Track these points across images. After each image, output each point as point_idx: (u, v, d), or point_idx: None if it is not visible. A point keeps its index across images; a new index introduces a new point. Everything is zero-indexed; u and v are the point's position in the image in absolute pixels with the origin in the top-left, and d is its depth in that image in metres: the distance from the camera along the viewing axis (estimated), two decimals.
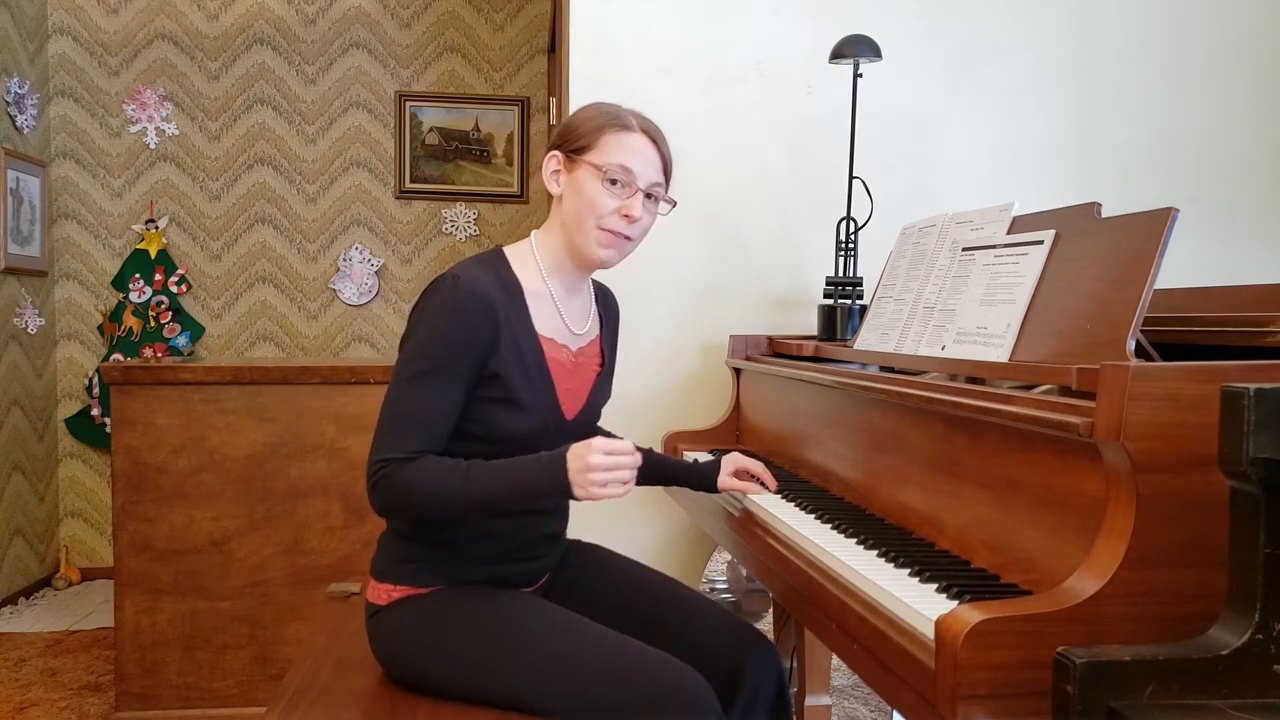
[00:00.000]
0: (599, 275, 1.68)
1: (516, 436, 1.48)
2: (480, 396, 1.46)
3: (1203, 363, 1.06)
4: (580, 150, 1.50)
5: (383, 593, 1.52)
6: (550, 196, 1.59)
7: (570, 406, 1.57)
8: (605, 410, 2.52)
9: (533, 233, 1.59)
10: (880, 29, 2.48)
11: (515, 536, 1.54)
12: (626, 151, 1.49)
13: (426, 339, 1.43)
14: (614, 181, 1.48)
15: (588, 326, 1.63)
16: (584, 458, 1.35)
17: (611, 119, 1.51)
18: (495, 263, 1.53)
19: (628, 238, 1.51)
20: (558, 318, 1.56)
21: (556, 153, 1.54)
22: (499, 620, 1.46)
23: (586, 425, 1.63)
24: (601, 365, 1.66)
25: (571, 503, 1.69)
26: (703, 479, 1.80)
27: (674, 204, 1.57)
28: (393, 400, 1.43)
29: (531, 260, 1.55)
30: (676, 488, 1.93)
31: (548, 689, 1.39)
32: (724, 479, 1.79)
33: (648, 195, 1.52)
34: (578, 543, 1.74)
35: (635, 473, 1.38)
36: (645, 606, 1.63)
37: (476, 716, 1.44)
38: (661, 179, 1.53)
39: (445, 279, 1.45)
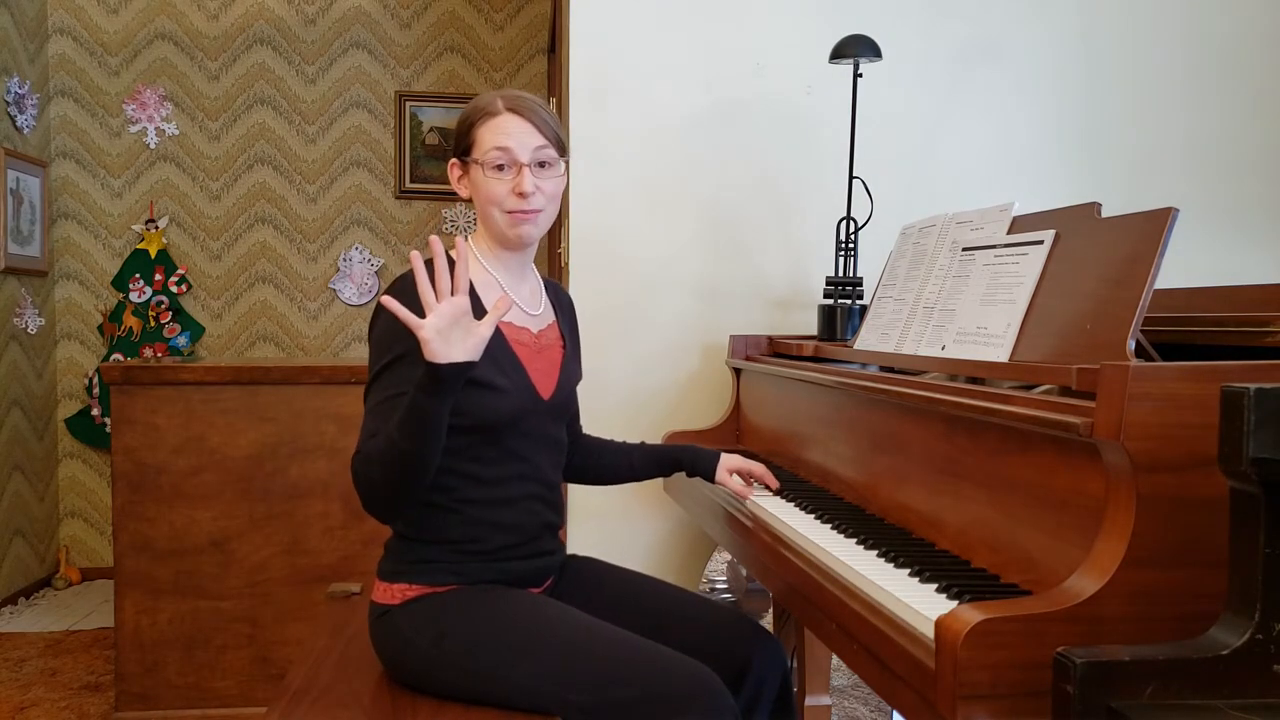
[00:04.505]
0: (577, 281, 1.68)
1: (500, 420, 1.52)
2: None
3: (1203, 363, 1.06)
4: (466, 151, 1.56)
5: (395, 593, 1.53)
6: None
7: (545, 386, 1.60)
8: (608, 407, 2.54)
9: (469, 237, 1.63)
10: (880, 29, 2.48)
11: (519, 527, 1.56)
12: (499, 135, 1.52)
13: (380, 339, 1.49)
14: (499, 167, 1.52)
15: (541, 309, 1.67)
16: (426, 342, 1.32)
17: (479, 112, 1.55)
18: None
19: (535, 210, 1.54)
20: (508, 300, 1.58)
21: (454, 160, 1.59)
22: (515, 617, 1.48)
23: (563, 405, 1.66)
24: (564, 347, 1.70)
25: (571, 502, 1.70)
26: (698, 463, 1.83)
27: (568, 160, 1.60)
28: (366, 399, 1.51)
29: (471, 257, 1.59)
30: (675, 484, 1.94)
31: (564, 688, 1.41)
32: (722, 472, 1.82)
33: (539, 164, 1.54)
34: (575, 556, 1.77)
35: (460, 303, 1.33)
36: (647, 606, 1.65)
37: (478, 716, 1.44)
38: (544, 142, 1.54)
39: (393, 282, 1.51)
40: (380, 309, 1.46)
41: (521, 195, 1.52)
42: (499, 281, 1.60)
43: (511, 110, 1.53)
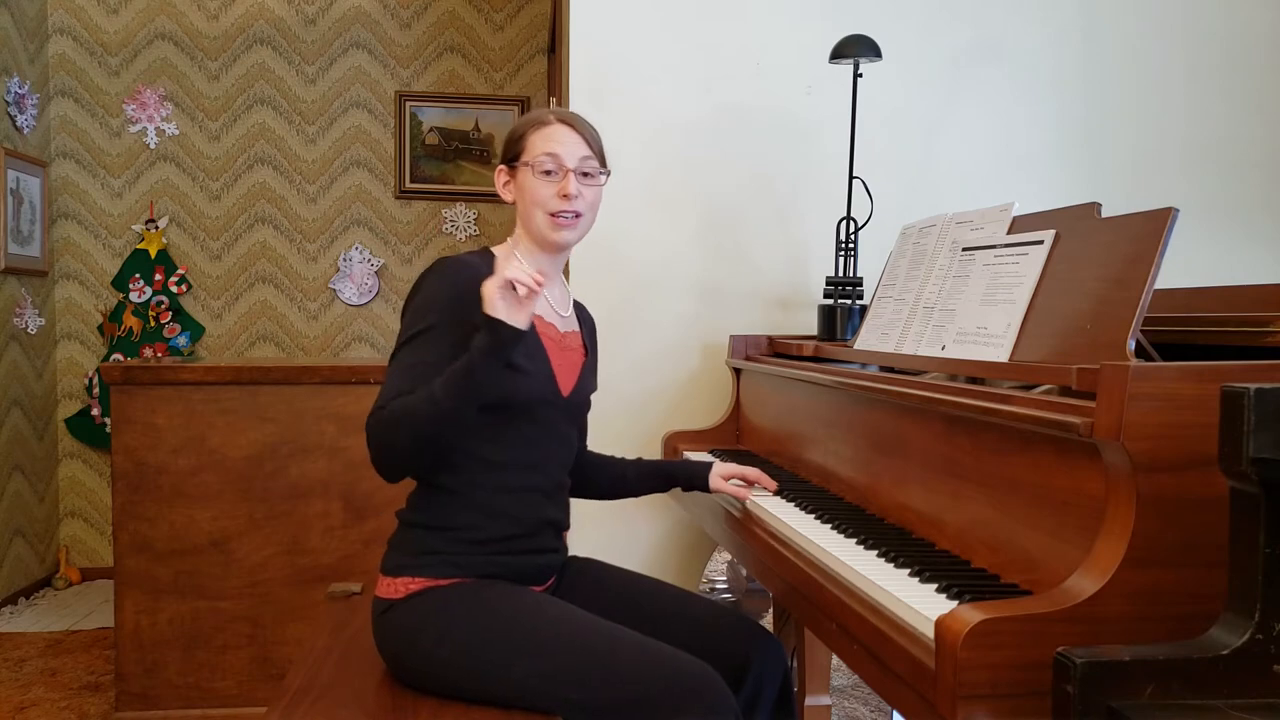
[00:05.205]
0: (577, 281, 1.73)
1: (518, 402, 1.56)
2: None
3: (1203, 363, 1.06)
4: (515, 157, 1.65)
5: (399, 587, 1.54)
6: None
7: (565, 383, 1.65)
8: (607, 407, 2.54)
9: (509, 238, 1.72)
10: (880, 29, 2.48)
11: (523, 518, 1.59)
12: (549, 142, 1.62)
13: (419, 307, 1.56)
14: (547, 172, 1.61)
15: (569, 312, 1.75)
16: (488, 297, 1.43)
17: (531, 121, 1.66)
18: (481, 253, 1.67)
19: (576, 214, 1.62)
20: (542, 298, 1.66)
21: (501, 166, 1.68)
22: (518, 615, 1.49)
23: (580, 407, 1.72)
24: (585, 355, 1.75)
25: (572, 504, 1.72)
26: (694, 478, 1.86)
27: (608, 173, 1.69)
28: (391, 364, 1.53)
29: (510, 252, 1.67)
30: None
31: (566, 686, 1.42)
32: (715, 480, 1.84)
33: (584, 174, 1.63)
34: (575, 557, 1.78)
35: (522, 279, 1.41)
36: (648, 606, 1.66)
37: (479, 716, 1.44)
38: (589, 153, 1.64)
39: (436, 261, 1.61)
40: (419, 283, 1.57)
41: (566, 197, 1.60)
42: None
43: (563, 122, 1.64)
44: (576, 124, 1.65)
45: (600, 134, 1.68)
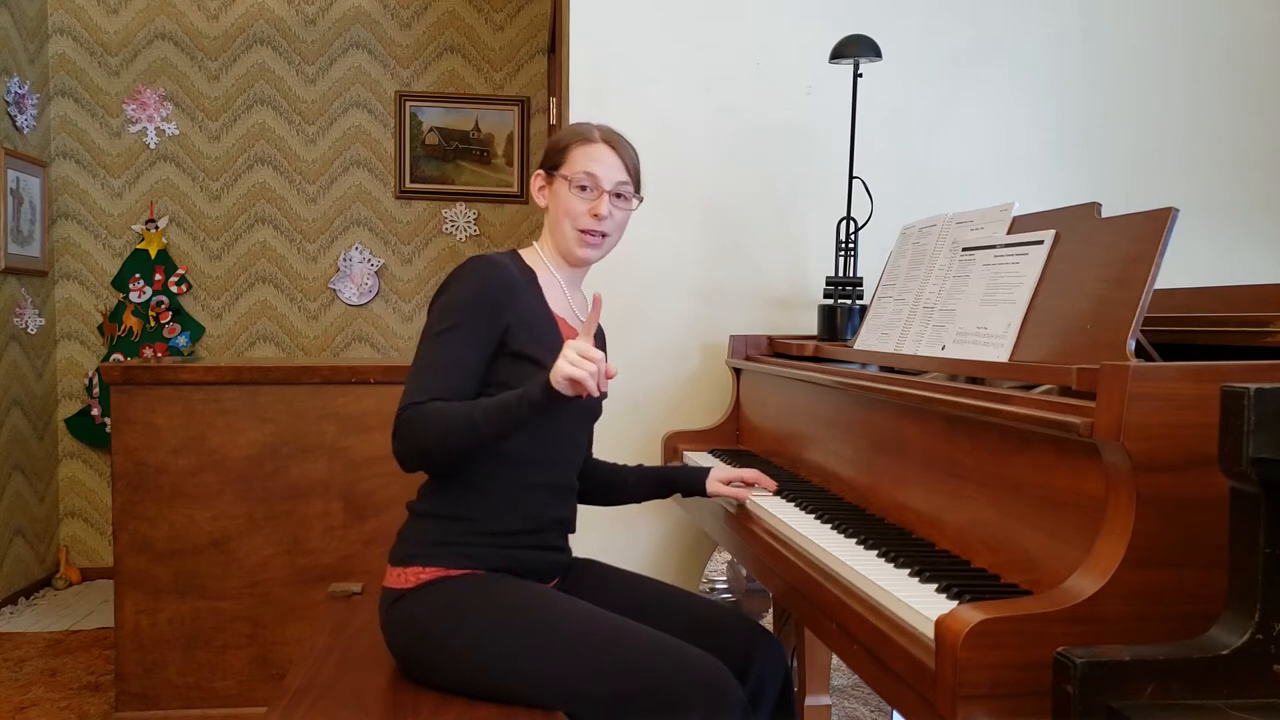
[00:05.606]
0: (584, 288, 1.81)
1: None
2: (511, 367, 1.57)
3: (1203, 363, 1.06)
4: (555, 166, 1.69)
5: (409, 576, 1.55)
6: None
7: None
8: (608, 407, 2.55)
9: (535, 241, 1.76)
10: (880, 29, 2.48)
11: (534, 514, 1.61)
12: (590, 160, 1.66)
13: (449, 302, 1.58)
14: (583, 188, 1.66)
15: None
16: (559, 373, 1.43)
17: (577, 135, 1.69)
18: (510, 254, 1.70)
19: (603, 234, 1.68)
20: (566, 302, 1.72)
21: (540, 171, 1.73)
22: (528, 609, 1.51)
23: (592, 411, 1.75)
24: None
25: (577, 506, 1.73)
26: (692, 484, 1.87)
27: (641, 200, 1.73)
28: (417, 357, 1.56)
29: (538, 257, 1.73)
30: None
31: (576, 679, 1.43)
32: (713, 484, 1.86)
33: (617, 195, 1.67)
34: (576, 558, 1.79)
35: (600, 368, 1.42)
36: (651, 606, 1.67)
37: (480, 713, 1.44)
38: (626, 178, 1.69)
39: (467, 259, 1.62)
40: (450, 280, 1.58)
41: (597, 217, 1.64)
42: (559, 280, 1.72)
43: (606, 142, 1.69)
44: (619, 146, 1.69)
45: (638, 157, 1.71)
